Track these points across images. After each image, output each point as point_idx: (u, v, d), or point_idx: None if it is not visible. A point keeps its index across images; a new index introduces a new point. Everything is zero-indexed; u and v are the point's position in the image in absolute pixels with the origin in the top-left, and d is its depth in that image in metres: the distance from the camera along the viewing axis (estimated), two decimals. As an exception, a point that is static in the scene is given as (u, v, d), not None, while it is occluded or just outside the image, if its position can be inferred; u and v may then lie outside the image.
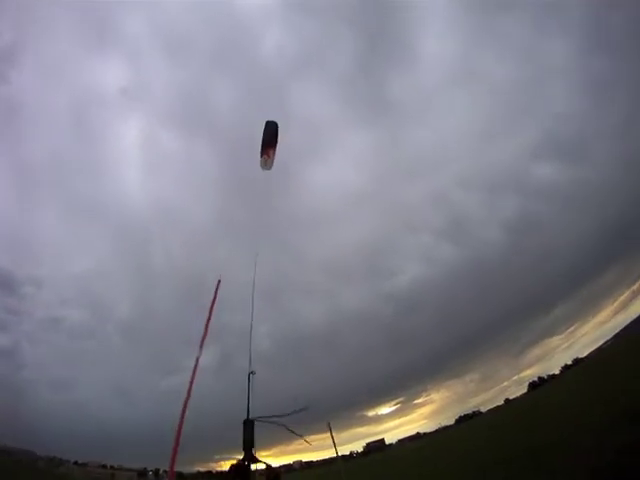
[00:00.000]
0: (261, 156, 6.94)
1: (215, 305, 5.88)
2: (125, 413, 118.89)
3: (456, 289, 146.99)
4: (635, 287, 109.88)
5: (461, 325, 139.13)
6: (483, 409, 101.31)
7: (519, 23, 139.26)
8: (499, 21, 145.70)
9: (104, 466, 78.34)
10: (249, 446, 4.02)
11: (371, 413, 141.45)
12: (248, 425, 4.17)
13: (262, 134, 6.89)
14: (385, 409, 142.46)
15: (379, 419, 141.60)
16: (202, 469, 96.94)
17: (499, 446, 20.55)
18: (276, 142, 6.95)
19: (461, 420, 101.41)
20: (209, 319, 5.59)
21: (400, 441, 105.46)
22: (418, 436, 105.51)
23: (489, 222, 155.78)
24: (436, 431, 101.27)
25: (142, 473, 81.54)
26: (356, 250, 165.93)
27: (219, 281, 6.02)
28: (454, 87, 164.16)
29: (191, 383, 4.69)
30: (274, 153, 6.94)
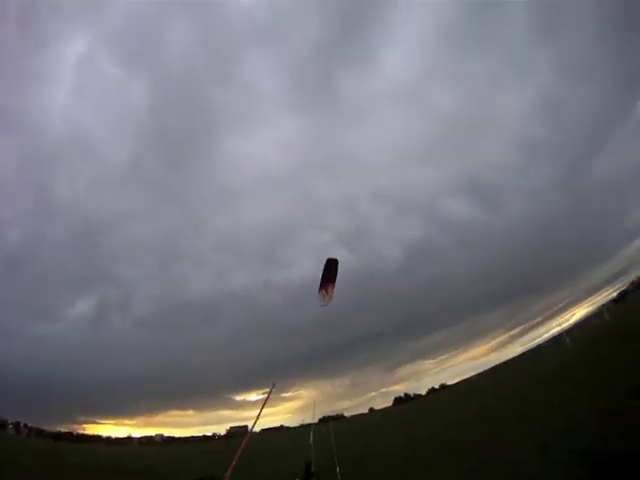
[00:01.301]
0: (319, 291, 7.29)
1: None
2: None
3: (343, 295, 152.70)
4: (513, 332, 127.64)
5: (341, 330, 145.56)
6: (347, 414, 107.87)
7: (483, 68, 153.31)
8: (465, 59, 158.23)
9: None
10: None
11: (239, 398, 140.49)
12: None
13: (323, 270, 7.23)
14: (253, 396, 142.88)
15: (245, 405, 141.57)
16: (63, 430, 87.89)
17: (355, 447, 21.28)
18: (335, 278, 7.35)
19: (324, 420, 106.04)
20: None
21: (264, 430, 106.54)
22: (282, 428, 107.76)
23: (390, 239, 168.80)
24: (300, 426, 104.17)
25: (2, 425, 74.09)
26: (256, 233, 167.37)
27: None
28: (401, 103, 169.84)
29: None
30: (333, 289, 7.29)
